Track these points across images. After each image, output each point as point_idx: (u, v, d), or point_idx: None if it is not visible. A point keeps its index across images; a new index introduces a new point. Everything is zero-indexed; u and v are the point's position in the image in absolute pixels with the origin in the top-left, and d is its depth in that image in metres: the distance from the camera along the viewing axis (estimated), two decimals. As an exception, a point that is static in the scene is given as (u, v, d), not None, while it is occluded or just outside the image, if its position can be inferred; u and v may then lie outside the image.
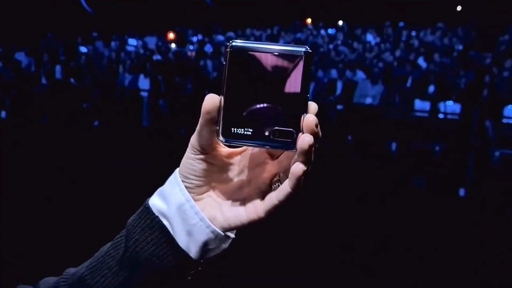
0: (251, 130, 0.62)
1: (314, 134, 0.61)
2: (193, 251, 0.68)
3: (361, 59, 11.04)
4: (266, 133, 0.61)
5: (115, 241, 0.71)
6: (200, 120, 0.63)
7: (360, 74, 9.57)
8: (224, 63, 0.62)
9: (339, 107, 8.26)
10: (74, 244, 3.99)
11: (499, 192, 5.79)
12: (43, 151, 6.61)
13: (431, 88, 8.52)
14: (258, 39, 13.80)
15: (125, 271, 0.68)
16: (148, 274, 0.67)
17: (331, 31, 15.05)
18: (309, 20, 16.83)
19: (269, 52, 0.61)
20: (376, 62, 10.16)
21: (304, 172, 0.61)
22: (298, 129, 0.61)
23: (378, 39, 13.63)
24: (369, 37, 13.92)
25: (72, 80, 9.74)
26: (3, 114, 8.99)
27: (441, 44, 12.46)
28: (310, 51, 0.61)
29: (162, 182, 0.71)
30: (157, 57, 11.58)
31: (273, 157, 0.68)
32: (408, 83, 9.04)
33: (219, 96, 0.62)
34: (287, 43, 13.70)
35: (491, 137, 7.05)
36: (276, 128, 0.61)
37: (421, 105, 8.12)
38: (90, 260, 0.72)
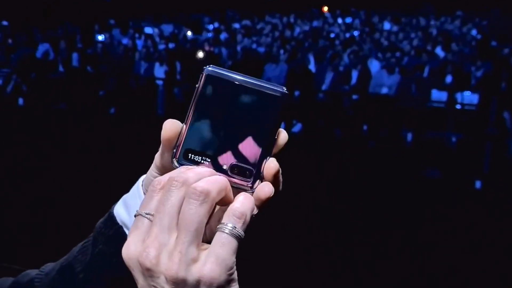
0: (209, 160, 0.58)
1: (274, 181, 0.58)
2: None
3: (378, 48, 10.93)
4: (224, 167, 0.58)
5: (84, 245, 0.72)
6: (161, 144, 0.61)
7: (376, 64, 9.47)
8: (197, 86, 0.59)
9: (354, 96, 8.19)
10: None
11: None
12: (60, 138, 6.68)
13: (449, 78, 8.42)
14: (274, 26, 13.75)
15: (92, 277, 0.70)
16: (112, 283, 0.68)
17: (348, 19, 14.92)
18: (325, 8, 16.70)
19: (245, 85, 0.58)
20: (393, 51, 10.05)
21: (254, 216, 0.56)
22: (259, 171, 0.58)
23: (395, 28, 13.48)
24: (387, 26, 13.77)
25: (88, 68, 9.81)
26: (21, 101, 9.10)
27: (460, 33, 12.28)
28: (287, 92, 0.58)
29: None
30: (172, 45, 11.59)
31: None
32: (425, 73, 8.93)
33: (184, 119, 0.59)
34: (303, 31, 13.46)
35: (509, 128, 6.96)
36: (235, 163, 0.58)
37: (438, 95, 8.03)
38: (61, 261, 0.73)
